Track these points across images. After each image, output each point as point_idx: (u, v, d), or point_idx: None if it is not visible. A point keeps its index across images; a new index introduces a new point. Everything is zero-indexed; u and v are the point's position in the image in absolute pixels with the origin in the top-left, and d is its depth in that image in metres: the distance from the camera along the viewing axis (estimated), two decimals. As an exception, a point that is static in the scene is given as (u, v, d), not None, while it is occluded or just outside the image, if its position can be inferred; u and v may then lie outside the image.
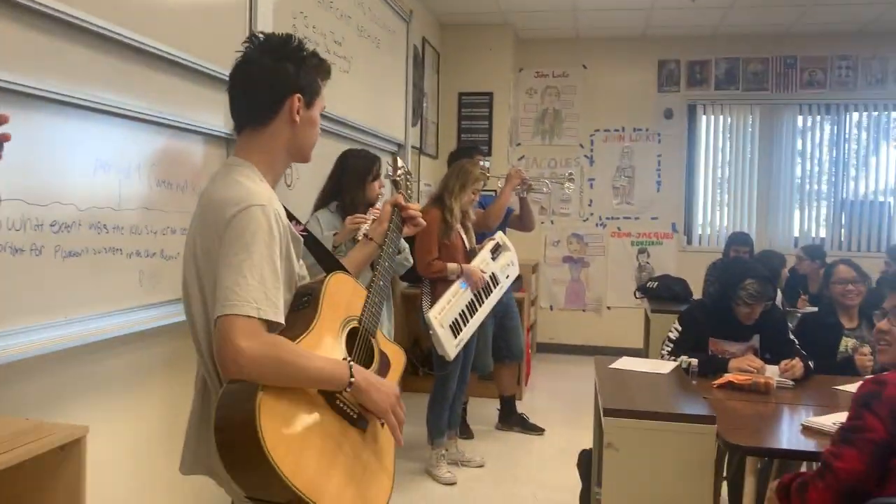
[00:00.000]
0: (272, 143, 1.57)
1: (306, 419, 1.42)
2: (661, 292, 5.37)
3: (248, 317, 1.34)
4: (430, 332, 3.68)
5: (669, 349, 3.23)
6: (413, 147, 5.60)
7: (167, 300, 2.41)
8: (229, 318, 1.34)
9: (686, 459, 2.29)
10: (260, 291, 1.37)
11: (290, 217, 1.67)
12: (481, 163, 4.44)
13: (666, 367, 3.01)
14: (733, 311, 3.16)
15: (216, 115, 2.65)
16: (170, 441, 2.25)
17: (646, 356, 4.79)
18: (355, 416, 1.52)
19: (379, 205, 3.39)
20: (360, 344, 1.63)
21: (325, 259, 1.76)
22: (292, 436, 1.37)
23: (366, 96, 4.44)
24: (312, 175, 3.45)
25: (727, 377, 2.86)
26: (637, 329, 6.26)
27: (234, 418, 1.33)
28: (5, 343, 1.79)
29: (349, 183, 3.31)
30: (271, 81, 1.54)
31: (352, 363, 1.49)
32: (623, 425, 2.33)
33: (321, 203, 3.35)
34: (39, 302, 1.91)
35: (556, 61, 7.20)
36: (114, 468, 2.32)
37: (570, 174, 5.16)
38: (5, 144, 1.25)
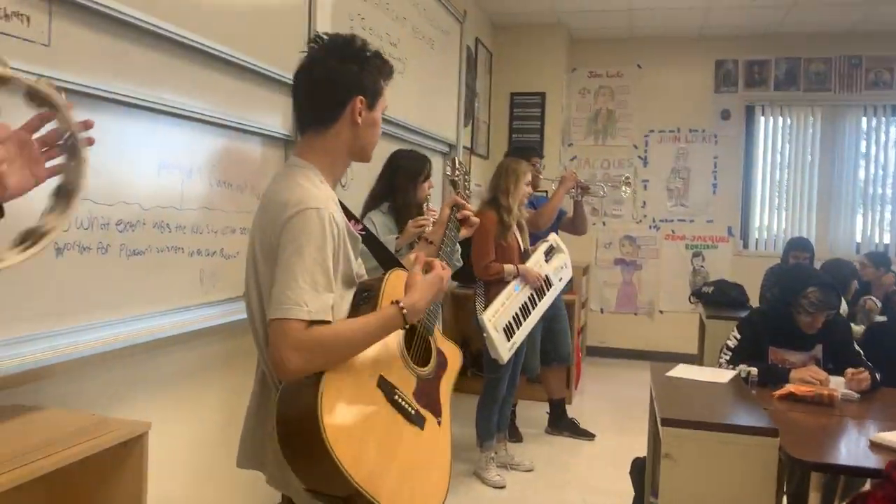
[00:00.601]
0: (334, 144, 1.58)
1: (366, 414, 1.43)
2: (717, 297, 5.25)
3: (299, 320, 1.36)
4: (484, 334, 3.65)
5: (728, 357, 3.14)
6: (464, 147, 5.59)
7: (226, 299, 2.45)
8: (280, 321, 1.36)
9: (746, 472, 2.23)
10: (311, 294, 1.38)
11: (350, 216, 1.67)
12: (536, 164, 4.41)
13: (724, 375, 2.93)
14: (794, 319, 3.07)
15: (274, 117, 2.68)
16: (227, 438, 2.27)
17: (700, 362, 4.69)
18: (413, 413, 1.53)
19: (433, 205, 3.38)
20: (417, 342, 1.64)
21: (388, 262, 1.76)
22: (353, 430, 1.38)
23: (419, 97, 4.44)
24: (367, 176, 3.46)
25: (788, 388, 2.77)
26: (690, 334, 6.14)
27: (295, 412, 1.36)
28: (73, 339, 1.83)
29: (401, 184, 3.30)
30: (335, 83, 1.55)
31: (395, 301, 1.50)
32: (681, 435, 2.27)
33: (371, 204, 3.33)
34: (105, 299, 1.96)
35: (609, 61, 7.10)
36: (172, 464, 2.36)
37: (627, 178, 5.04)
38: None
